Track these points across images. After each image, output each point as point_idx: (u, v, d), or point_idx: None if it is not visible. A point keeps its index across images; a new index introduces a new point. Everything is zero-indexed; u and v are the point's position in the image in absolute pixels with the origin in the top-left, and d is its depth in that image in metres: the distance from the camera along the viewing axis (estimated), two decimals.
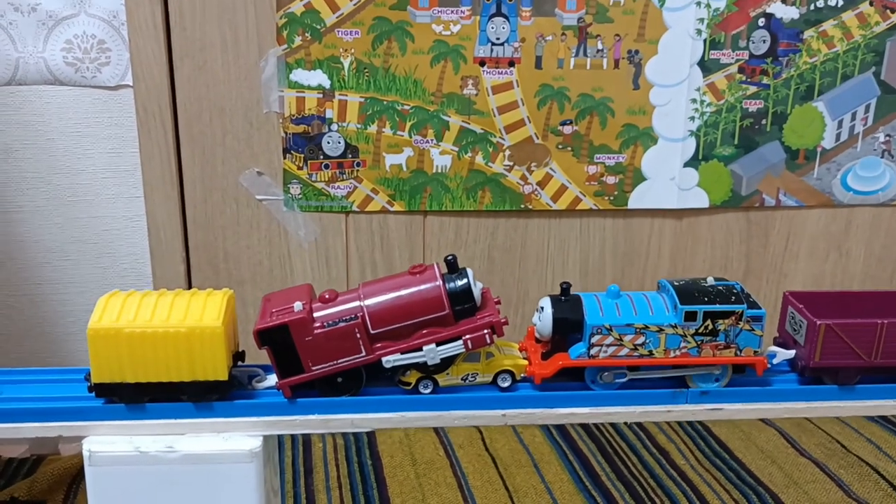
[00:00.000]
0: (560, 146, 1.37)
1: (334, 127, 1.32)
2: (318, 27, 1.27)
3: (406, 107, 1.32)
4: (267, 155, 1.33)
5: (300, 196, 1.35)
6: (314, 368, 0.81)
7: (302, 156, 1.33)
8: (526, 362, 0.86)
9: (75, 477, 1.30)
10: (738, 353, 0.84)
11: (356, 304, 0.81)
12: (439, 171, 1.36)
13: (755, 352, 0.84)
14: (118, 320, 0.79)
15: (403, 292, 0.81)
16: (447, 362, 0.83)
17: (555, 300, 0.85)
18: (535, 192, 1.39)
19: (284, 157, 1.33)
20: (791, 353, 0.88)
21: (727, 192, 1.42)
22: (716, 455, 1.41)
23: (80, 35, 1.25)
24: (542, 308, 0.85)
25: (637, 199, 1.41)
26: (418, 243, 1.41)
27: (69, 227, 1.35)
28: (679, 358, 0.84)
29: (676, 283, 0.85)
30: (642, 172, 1.39)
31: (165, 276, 1.35)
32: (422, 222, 1.40)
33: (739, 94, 1.36)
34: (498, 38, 1.30)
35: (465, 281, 0.82)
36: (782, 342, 0.91)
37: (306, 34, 1.27)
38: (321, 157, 1.34)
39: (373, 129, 1.33)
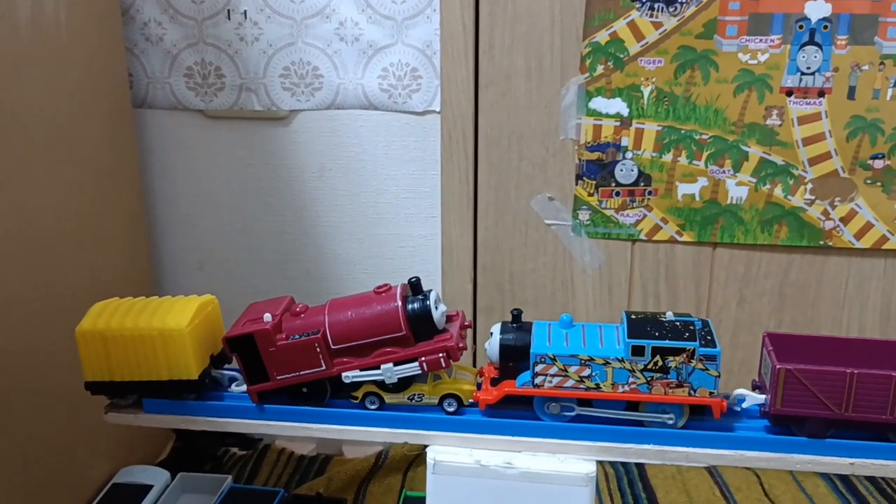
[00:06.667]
0: (868, 181, 1.29)
1: (629, 155, 1.32)
2: (622, 56, 1.27)
3: (704, 136, 1.30)
4: (559, 181, 1.35)
5: (588, 222, 1.36)
6: (278, 378, 0.85)
7: (594, 182, 1.34)
8: (473, 388, 0.85)
9: (364, 478, 1.38)
10: (692, 392, 0.80)
11: (320, 318, 0.84)
12: (734, 202, 1.32)
13: (710, 393, 0.80)
14: (101, 323, 0.86)
15: (364, 311, 0.84)
16: (405, 382, 0.84)
17: (504, 326, 0.85)
18: (837, 229, 1.31)
19: (576, 184, 1.35)
20: (761, 397, 0.83)
21: None
22: None
23: (396, 63, 1.33)
24: (492, 333, 0.85)
25: None
26: (705, 275, 1.37)
27: (369, 243, 1.44)
28: (627, 394, 0.81)
29: (633, 317, 0.82)
30: None
31: (454, 294, 1.40)
32: (710, 254, 1.36)
33: None
34: (808, 68, 1.25)
35: (424, 303, 0.83)
36: (760, 385, 0.85)
37: (609, 63, 1.28)
38: (613, 184, 1.34)
39: (668, 157, 1.31)
